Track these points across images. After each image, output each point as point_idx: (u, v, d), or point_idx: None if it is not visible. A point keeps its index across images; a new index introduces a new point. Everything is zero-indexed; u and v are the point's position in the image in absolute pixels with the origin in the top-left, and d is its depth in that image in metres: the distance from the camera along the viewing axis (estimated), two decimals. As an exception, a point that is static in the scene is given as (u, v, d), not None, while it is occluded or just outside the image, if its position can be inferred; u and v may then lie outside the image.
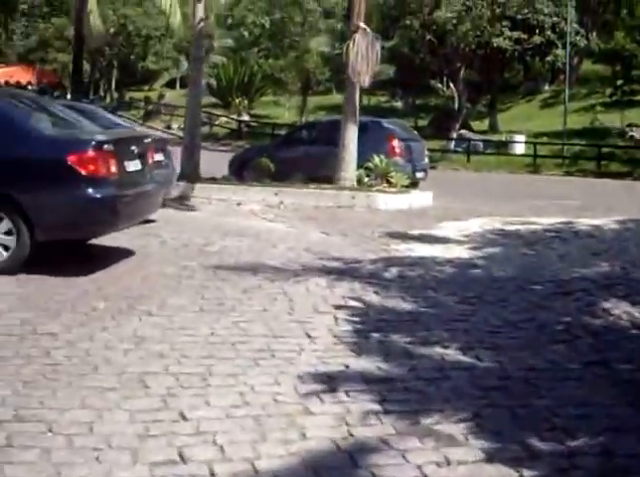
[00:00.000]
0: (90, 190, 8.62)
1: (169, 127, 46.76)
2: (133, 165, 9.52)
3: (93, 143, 8.81)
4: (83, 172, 8.55)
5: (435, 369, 6.03)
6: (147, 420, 4.88)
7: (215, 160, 23.54)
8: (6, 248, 8.71)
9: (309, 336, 6.83)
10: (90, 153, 8.65)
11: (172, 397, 5.27)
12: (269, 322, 7.22)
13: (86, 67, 77.42)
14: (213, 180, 19.52)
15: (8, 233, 8.68)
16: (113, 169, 8.88)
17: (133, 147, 9.65)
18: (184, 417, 4.95)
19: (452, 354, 6.41)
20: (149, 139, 10.64)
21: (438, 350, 6.49)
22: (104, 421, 4.85)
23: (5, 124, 8.97)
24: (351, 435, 4.75)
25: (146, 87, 68.72)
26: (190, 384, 5.54)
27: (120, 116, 48.49)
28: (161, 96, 59.64)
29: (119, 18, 58.15)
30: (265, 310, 7.68)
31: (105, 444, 4.53)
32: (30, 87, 59.57)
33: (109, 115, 16.43)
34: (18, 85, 26.45)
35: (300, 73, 48.63)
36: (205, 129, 42.38)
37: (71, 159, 8.54)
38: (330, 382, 5.65)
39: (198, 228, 13.09)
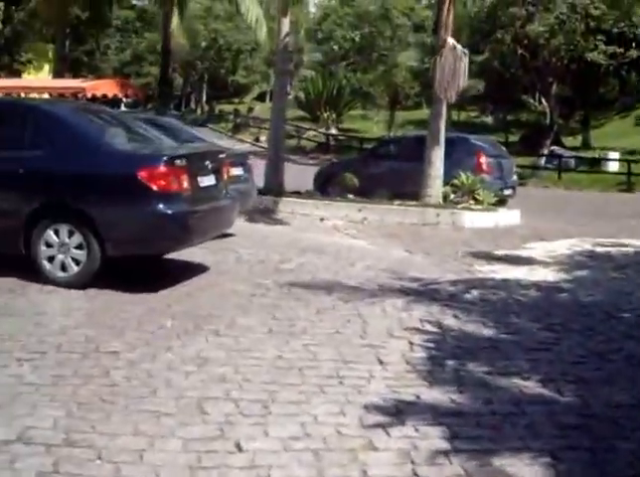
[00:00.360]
0: (161, 205, 8.45)
1: (257, 140, 46.83)
2: (207, 180, 9.35)
3: (164, 158, 8.65)
4: (154, 187, 8.39)
5: (512, 402, 5.64)
6: (201, 450, 4.65)
7: (301, 174, 23.41)
8: (77, 263, 8.61)
9: (381, 362, 6.51)
10: (161, 168, 8.49)
11: (229, 426, 5.02)
12: (340, 346, 6.92)
13: (179, 80, 78.87)
14: (296, 194, 19.32)
15: (79, 247, 8.58)
16: (185, 184, 8.71)
17: (207, 162, 9.48)
18: (239, 448, 4.70)
19: (531, 386, 6.01)
20: (224, 154, 10.44)
21: (517, 381, 6.10)
22: (156, 450, 4.64)
23: (77, 139, 8.91)
24: (415, 475, 4.42)
25: (236, 101, 69.32)
26: (250, 411, 5.29)
27: (210, 129, 49.24)
28: (250, 109, 60.00)
29: (210, 32, 58.71)
30: (337, 332, 7.38)
31: (154, 475, 4.30)
32: (124, 101, 60.83)
33: (191, 130, 16.36)
34: (104, 99, 26.73)
35: (389, 87, 48.31)
36: (293, 142, 42.45)
37: (141, 174, 8.39)
38: (398, 414, 5.33)
39: (276, 243, 12.86)
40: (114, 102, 46.23)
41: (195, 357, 6.42)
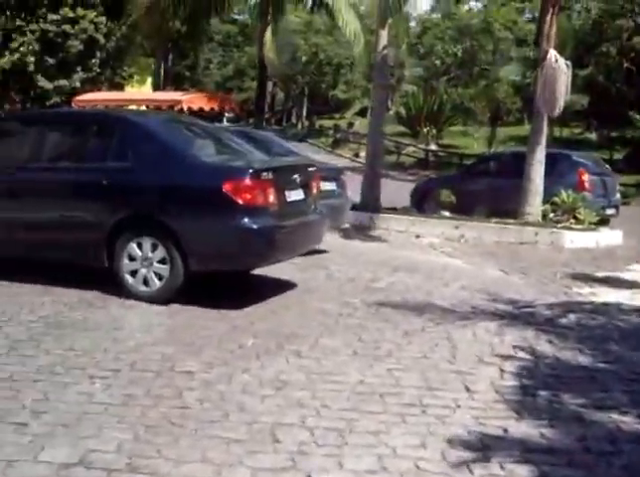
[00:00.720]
0: (246, 220, 8.23)
1: (357, 155, 46.58)
2: (295, 194, 9.11)
3: (250, 171, 8.43)
4: (239, 201, 8.19)
5: (608, 440, 5.21)
6: (269, 482, 4.37)
7: (399, 190, 23.09)
8: (160, 277, 8.47)
9: (468, 390, 6.13)
10: (247, 181, 8.28)
11: (302, 456, 4.74)
12: (427, 371, 6.57)
13: (281, 95, 79.40)
14: (393, 210, 19.01)
15: (162, 261, 8.43)
16: (272, 198, 8.49)
17: (296, 176, 9.23)
18: (310, 482, 4.40)
19: (630, 422, 5.56)
20: (314, 168, 10.18)
21: (614, 416, 5.65)
22: (222, 480, 4.37)
23: (163, 151, 8.80)
24: (499, 520, 4.06)
25: (337, 116, 69.30)
26: (325, 440, 4.99)
27: (310, 144, 49.25)
28: (350, 125, 59.80)
29: (311, 47, 58.81)
30: (424, 357, 7.02)
31: (217, 508, 4.05)
32: (226, 115, 61.38)
33: (285, 143, 16.19)
34: (204, 113, 26.86)
35: (490, 102, 47.56)
36: (392, 158, 42.11)
37: (226, 187, 8.19)
38: (484, 449, 4.96)
39: (369, 260, 12.56)
40: (216, 116, 46.71)
41: (273, 379, 6.16)
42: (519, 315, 8.90)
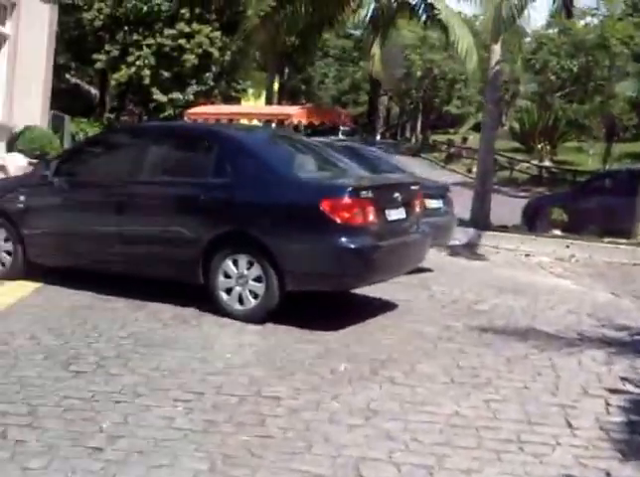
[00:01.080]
0: (344, 239, 7.99)
1: (470, 171, 45.89)
2: (396, 213, 8.82)
3: (349, 189, 8.19)
4: (337, 219, 7.96)
5: None
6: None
7: (511, 206, 22.57)
8: (255, 296, 8.29)
9: (570, 425, 5.75)
10: (345, 200, 8.04)
11: (385, 495, 4.45)
12: (526, 403, 6.20)
13: (396, 109, 79.23)
14: (503, 228, 18.63)
15: (257, 279, 8.25)
16: (371, 217, 8.23)
17: (397, 194, 8.95)
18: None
19: None
20: (417, 186, 9.88)
21: None
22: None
23: (261, 167, 8.66)
24: None
25: (452, 131, 68.70)
26: (412, 478, 4.70)
27: (423, 158, 48.86)
28: (464, 140, 59.11)
29: (425, 62, 58.44)
30: (525, 387, 6.65)
31: None
32: (341, 129, 61.51)
33: (392, 160, 15.91)
34: (314, 127, 26.93)
35: (605, 118, 46.27)
36: (505, 174, 41.37)
37: (323, 205, 7.97)
38: (583, 495, 4.59)
39: (474, 280, 12.16)
40: (331, 130, 46.75)
41: (363, 408, 5.89)
42: (629, 343, 8.43)
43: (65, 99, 35.58)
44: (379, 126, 71.63)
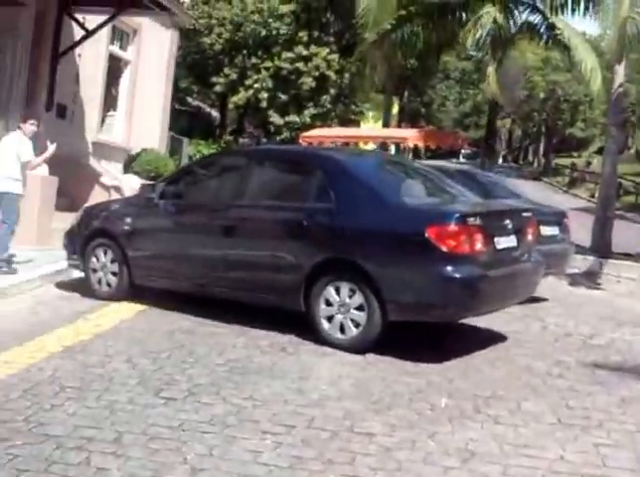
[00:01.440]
0: (449, 268, 7.66)
1: (593, 196, 44.69)
2: (506, 241, 8.43)
3: (456, 216, 7.86)
4: (443, 248, 7.64)
5: None
6: None
7: (637, 233, 21.76)
8: (357, 325, 8.03)
9: (689, 477, 5.28)
10: (452, 227, 7.72)
11: None
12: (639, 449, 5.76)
13: (519, 132, 78.04)
14: (626, 255, 17.84)
15: (359, 308, 7.99)
16: (479, 246, 7.89)
17: (507, 221, 8.57)
18: None
19: None
20: (529, 213, 9.46)
21: None
22: None
23: (365, 192, 8.42)
24: None
25: (575, 154, 67.21)
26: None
27: (545, 183, 47.80)
28: (588, 164, 57.66)
29: (548, 84, 57.36)
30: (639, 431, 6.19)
31: None
32: (462, 152, 60.96)
33: (509, 184, 15.47)
34: (434, 150, 26.63)
35: None
36: (630, 199, 40.09)
37: (429, 232, 7.67)
38: None
39: (591, 312, 11.62)
40: (452, 153, 46.32)
41: (461, 448, 5.55)
42: None
43: (187, 122, 36.30)
44: (501, 149, 70.73)
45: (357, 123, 39.47)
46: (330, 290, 8.16)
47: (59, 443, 5.28)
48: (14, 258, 11.19)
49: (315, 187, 8.72)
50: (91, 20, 16.64)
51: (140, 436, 5.47)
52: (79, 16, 16.54)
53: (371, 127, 39.80)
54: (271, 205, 8.99)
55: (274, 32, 31.53)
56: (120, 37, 19.65)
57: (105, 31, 17.62)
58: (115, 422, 5.72)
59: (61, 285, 10.84)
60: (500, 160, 62.65)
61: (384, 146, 27.53)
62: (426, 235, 7.69)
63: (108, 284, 10.04)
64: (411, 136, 26.61)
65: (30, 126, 11.29)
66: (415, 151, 30.79)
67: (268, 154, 10.43)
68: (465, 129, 74.42)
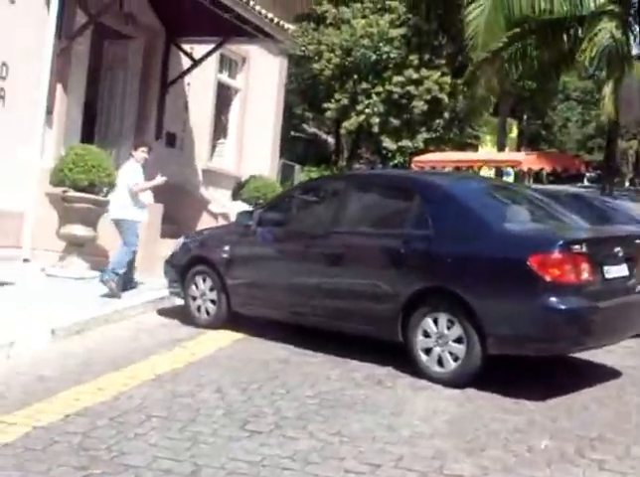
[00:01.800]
0: (554, 299, 7.24)
1: None
2: (616, 270, 7.93)
3: (560, 243, 7.44)
4: (546, 277, 7.23)
5: None
6: None
7: None
8: (455, 358, 7.67)
9: None
10: (556, 255, 7.31)
11: None
12: None
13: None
14: None
15: (458, 340, 7.63)
16: (585, 275, 7.45)
17: (618, 248, 8.05)
18: None
19: None
20: (643, 239, 8.91)
21: None
22: None
23: (466, 219, 8.09)
24: None
25: None
26: None
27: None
28: None
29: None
30: None
31: None
32: (587, 176, 59.38)
33: (630, 211, 14.70)
34: (555, 174, 25.99)
35: None
36: None
37: (531, 261, 7.28)
38: None
39: None
40: (576, 177, 45.07)
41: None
42: None
43: (302, 148, 36.47)
44: (627, 172, 68.65)
45: (474, 147, 38.89)
46: (428, 321, 7.85)
47: (137, 474, 5.18)
48: (133, 283, 11.64)
49: (413, 213, 8.46)
50: (200, 50, 16.85)
51: (219, 470, 5.29)
52: (187, 46, 16.76)
53: (487, 151, 39.16)
54: (369, 232, 8.80)
55: (384, 56, 31.37)
56: (229, 65, 19.79)
57: (213, 59, 17.76)
58: (195, 455, 5.56)
59: (162, 312, 10.82)
60: (627, 183, 60.66)
61: (498, 171, 26.99)
62: (529, 263, 7.31)
63: (207, 312, 9.97)
64: (525, 159, 25.98)
65: (141, 153, 11.56)
66: (536, 176, 30.01)
67: (367, 179, 10.25)
68: (589, 152, 72.52)
